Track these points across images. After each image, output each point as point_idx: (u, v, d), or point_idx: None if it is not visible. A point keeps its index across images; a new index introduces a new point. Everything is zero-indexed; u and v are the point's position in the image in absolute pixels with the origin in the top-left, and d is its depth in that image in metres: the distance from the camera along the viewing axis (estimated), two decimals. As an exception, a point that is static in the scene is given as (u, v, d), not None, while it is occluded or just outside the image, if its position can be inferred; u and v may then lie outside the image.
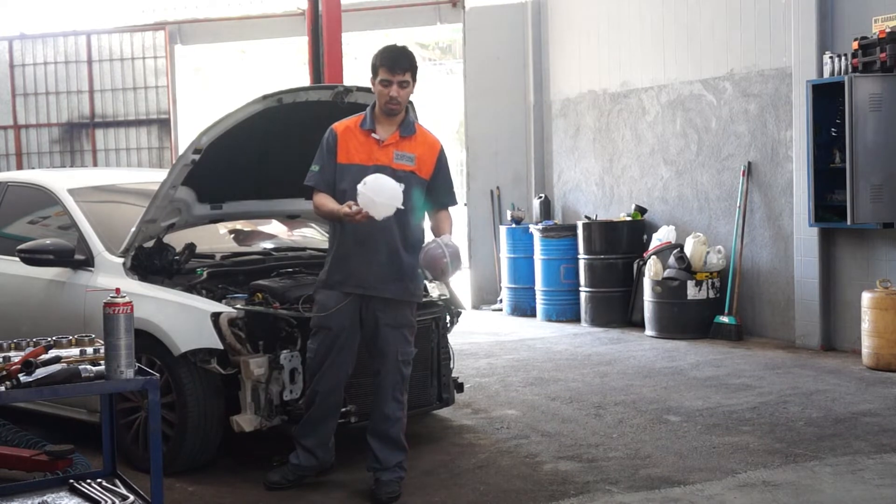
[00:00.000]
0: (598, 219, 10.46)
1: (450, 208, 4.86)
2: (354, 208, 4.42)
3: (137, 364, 3.61)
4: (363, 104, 5.75)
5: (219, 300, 5.21)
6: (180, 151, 8.55)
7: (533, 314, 10.87)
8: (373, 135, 4.69)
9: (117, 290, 3.60)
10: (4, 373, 3.41)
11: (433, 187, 4.75)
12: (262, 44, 15.81)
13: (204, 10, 13.58)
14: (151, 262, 5.52)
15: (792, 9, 8.42)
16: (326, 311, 4.71)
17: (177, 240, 5.71)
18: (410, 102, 4.85)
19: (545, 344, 9.15)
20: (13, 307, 5.92)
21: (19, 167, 12.97)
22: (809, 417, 6.01)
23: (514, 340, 9.40)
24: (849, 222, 7.68)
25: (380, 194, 4.41)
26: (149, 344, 5.00)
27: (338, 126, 4.79)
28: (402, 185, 4.49)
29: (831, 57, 7.89)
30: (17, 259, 5.57)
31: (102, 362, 3.55)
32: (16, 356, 3.58)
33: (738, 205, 9.13)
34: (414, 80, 4.67)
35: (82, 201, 5.96)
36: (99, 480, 3.98)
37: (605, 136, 10.89)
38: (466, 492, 4.80)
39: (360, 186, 4.42)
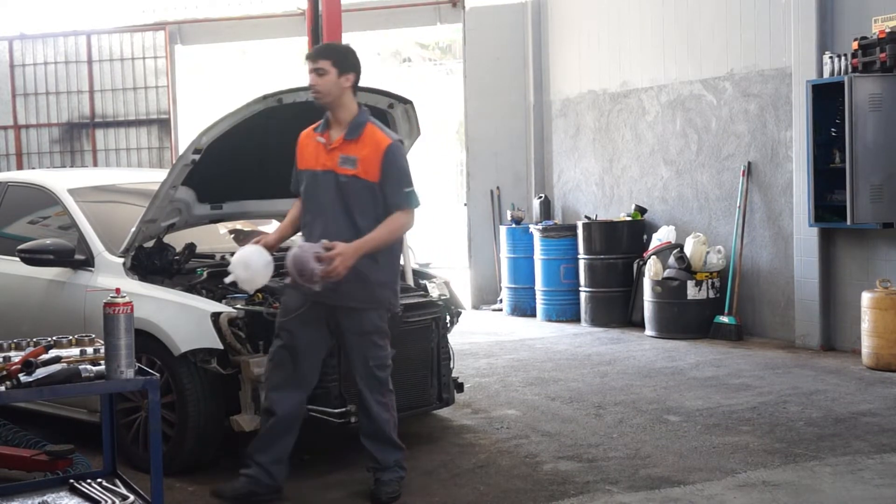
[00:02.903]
0: (598, 219, 10.46)
1: (413, 209, 4.59)
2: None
3: (137, 364, 3.61)
4: (363, 104, 5.76)
5: (219, 300, 5.21)
6: (180, 151, 8.54)
7: (533, 314, 10.87)
8: (318, 139, 4.61)
9: (117, 290, 3.60)
10: (4, 373, 3.41)
11: (382, 189, 4.52)
12: (262, 44, 15.80)
13: (204, 10, 13.56)
14: (151, 262, 5.52)
15: (792, 9, 8.43)
16: (288, 313, 4.59)
17: (177, 240, 5.71)
18: (362, 106, 4.66)
19: (545, 344, 9.15)
20: (13, 307, 5.92)
21: (19, 167, 12.96)
22: (809, 417, 6.02)
23: (514, 340, 9.40)
24: (849, 222, 7.68)
25: (245, 270, 4.37)
26: (149, 344, 5.00)
27: (304, 131, 4.75)
28: (268, 259, 4.44)
29: (831, 57, 7.89)
30: (17, 259, 5.58)
31: (102, 362, 3.55)
32: (16, 356, 3.59)
33: (738, 205, 9.13)
34: (339, 68, 4.47)
35: (82, 201, 5.96)
36: (99, 480, 3.98)
37: (605, 136, 10.89)
38: (466, 492, 4.80)
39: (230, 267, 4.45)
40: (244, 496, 4.57)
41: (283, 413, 4.57)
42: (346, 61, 4.51)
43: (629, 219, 10.13)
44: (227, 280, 4.57)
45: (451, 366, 5.81)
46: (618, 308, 9.98)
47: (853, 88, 7.55)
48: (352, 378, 4.73)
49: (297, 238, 4.56)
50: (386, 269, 4.60)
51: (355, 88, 4.59)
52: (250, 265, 4.41)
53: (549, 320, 10.55)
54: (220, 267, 5.69)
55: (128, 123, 13.27)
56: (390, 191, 4.51)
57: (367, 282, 4.51)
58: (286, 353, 4.58)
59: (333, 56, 4.50)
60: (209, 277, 5.49)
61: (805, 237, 8.36)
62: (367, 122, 4.57)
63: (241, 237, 6.62)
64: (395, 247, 4.68)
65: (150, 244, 5.58)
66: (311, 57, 4.54)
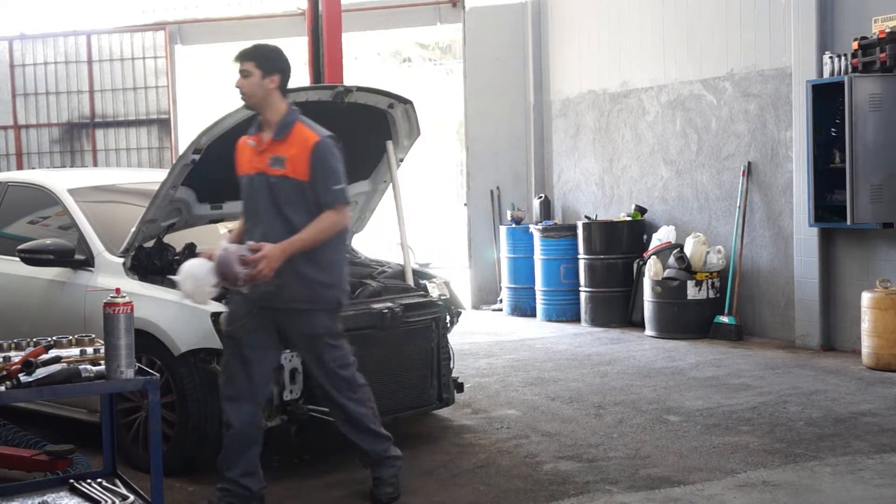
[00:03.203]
0: (598, 219, 10.46)
1: (344, 207, 4.46)
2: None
3: (137, 364, 3.61)
4: (363, 104, 5.76)
5: (219, 300, 5.21)
6: (180, 151, 8.54)
7: (533, 314, 10.87)
8: (249, 142, 4.56)
9: (117, 290, 3.60)
10: (4, 373, 3.41)
11: (311, 187, 4.40)
12: (262, 44, 15.77)
13: (204, 10, 13.57)
14: (151, 262, 5.52)
15: (792, 9, 8.43)
16: (234, 322, 4.52)
17: (177, 240, 5.71)
18: (291, 105, 4.56)
19: (545, 344, 9.15)
20: (13, 307, 5.92)
21: (19, 167, 12.96)
22: (809, 417, 6.02)
23: (514, 340, 9.40)
24: (849, 222, 7.68)
25: (191, 282, 4.29)
26: (149, 344, 5.00)
27: (242, 137, 4.67)
28: (207, 265, 4.29)
29: (831, 57, 7.89)
30: (17, 259, 5.58)
31: (102, 362, 3.55)
32: (16, 356, 3.59)
33: (738, 205, 9.13)
34: (263, 70, 4.42)
35: (82, 201, 5.96)
36: (99, 480, 3.99)
37: (605, 136, 10.89)
38: (466, 492, 4.81)
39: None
40: None
41: (241, 426, 4.45)
42: (271, 62, 4.47)
43: (629, 219, 10.13)
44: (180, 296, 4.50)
45: (451, 366, 5.82)
46: (618, 308, 9.98)
47: (853, 88, 7.55)
48: (315, 380, 4.69)
49: (223, 241, 4.46)
50: (330, 270, 4.49)
51: (283, 89, 4.51)
52: (195, 277, 4.30)
53: (549, 320, 10.55)
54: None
55: (128, 123, 13.27)
56: (319, 189, 4.40)
57: (309, 283, 4.43)
58: (237, 364, 4.49)
59: (257, 58, 4.45)
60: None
61: (805, 237, 8.36)
62: (296, 121, 4.49)
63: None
64: (335, 246, 4.53)
65: (150, 244, 5.58)
66: (236, 59, 4.50)
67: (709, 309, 9.11)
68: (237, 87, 4.48)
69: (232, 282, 4.27)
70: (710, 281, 9.09)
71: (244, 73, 4.45)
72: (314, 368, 4.59)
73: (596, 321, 10.06)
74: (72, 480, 3.97)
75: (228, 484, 4.46)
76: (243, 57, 4.47)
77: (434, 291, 5.95)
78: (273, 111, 4.49)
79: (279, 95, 4.50)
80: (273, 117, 4.49)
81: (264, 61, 4.45)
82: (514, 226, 11.19)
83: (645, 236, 9.98)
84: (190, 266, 4.36)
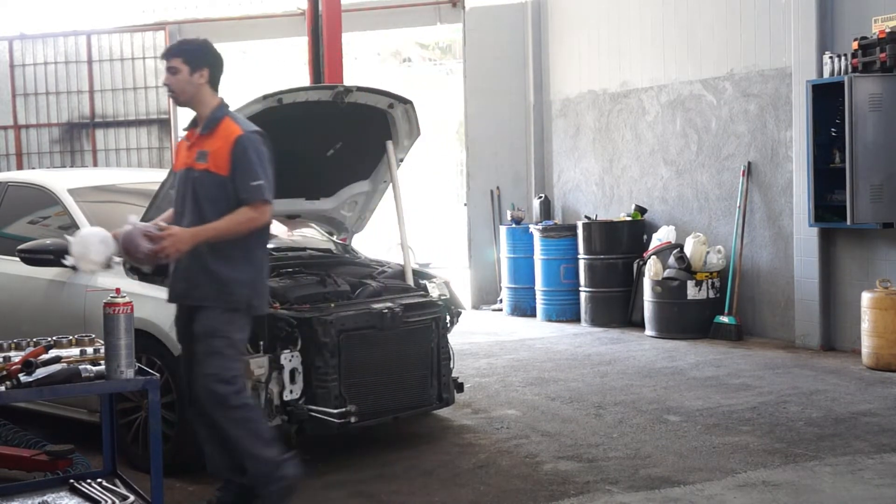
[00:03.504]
0: (598, 219, 10.46)
1: (262, 204, 4.30)
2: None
3: (137, 364, 3.61)
4: (363, 104, 5.77)
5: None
6: (180, 151, 8.53)
7: (533, 314, 10.86)
8: (182, 138, 4.53)
9: (117, 290, 3.60)
10: (4, 373, 3.41)
11: (231, 182, 4.28)
12: (262, 44, 15.79)
13: (204, 10, 13.56)
14: (151, 262, 5.51)
15: (792, 9, 8.42)
16: (174, 324, 4.50)
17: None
18: (223, 101, 4.47)
19: (545, 344, 9.15)
20: (13, 307, 5.92)
21: (19, 167, 12.95)
22: (809, 417, 6.02)
23: (514, 340, 9.40)
24: (849, 222, 7.68)
25: (80, 246, 4.20)
26: (149, 344, 5.00)
27: None
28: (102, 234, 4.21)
29: (831, 57, 7.89)
30: (17, 259, 5.57)
31: (102, 362, 3.55)
32: (16, 356, 3.59)
33: (738, 205, 9.13)
34: (191, 65, 4.35)
35: (82, 201, 5.96)
36: (99, 480, 3.99)
37: (605, 136, 10.89)
38: (466, 492, 4.80)
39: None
40: None
41: (203, 427, 4.41)
42: (198, 58, 4.38)
43: (629, 219, 10.13)
44: (67, 262, 4.38)
45: (451, 366, 5.82)
46: (618, 308, 9.97)
47: (853, 88, 7.55)
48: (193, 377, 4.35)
49: (133, 217, 4.35)
50: (243, 267, 4.32)
51: (214, 84, 4.42)
52: (85, 242, 4.21)
53: (549, 320, 10.55)
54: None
55: (128, 123, 13.26)
56: (238, 184, 4.27)
57: (219, 280, 4.28)
58: (183, 365, 4.44)
59: (184, 54, 4.39)
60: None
61: (805, 237, 8.36)
62: (224, 116, 4.40)
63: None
64: (251, 244, 4.35)
65: (150, 244, 5.57)
66: (163, 56, 4.45)
67: (709, 309, 9.10)
68: (165, 84, 4.42)
69: (135, 256, 4.18)
70: (710, 281, 9.09)
71: (172, 70, 4.38)
72: (195, 365, 4.30)
73: (596, 321, 10.06)
74: (72, 480, 3.97)
75: (224, 483, 4.46)
76: (170, 54, 4.41)
77: (434, 291, 5.96)
78: (203, 107, 4.41)
79: (209, 90, 4.42)
80: (204, 113, 4.41)
81: (191, 57, 4.38)
82: (514, 226, 11.19)
83: (645, 236, 9.98)
84: (86, 231, 4.31)
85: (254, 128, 4.42)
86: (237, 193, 4.28)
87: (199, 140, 4.40)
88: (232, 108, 5.08)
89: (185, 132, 4.52)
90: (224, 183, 4.29)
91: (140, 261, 4.24)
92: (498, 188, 11.94)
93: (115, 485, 3.95)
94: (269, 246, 6.45)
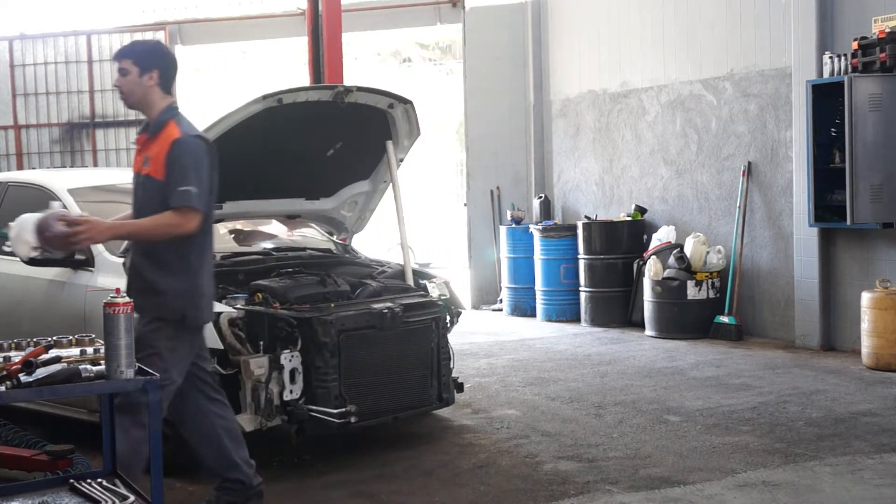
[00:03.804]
0: (598, 219, 10.46)
1: (188, 211, 4.12)
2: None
3: (137, 364, 3.61)
4: (363, 104, 5.77)
5: (219, 300, 5.21)
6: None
7: (533, 314, 10.86)
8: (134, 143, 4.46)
9: (117, 290, 3.59)
10: (4, 373, 3.41)
11: (165, 187, 4.15)
12: (262, 44, 15.79)
13: (204, 10, 13.56)
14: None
15: (792, 9, 8.42)
16: None
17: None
18: (172, 104, 4.34)
19: (545, 344, 9.15)
20: (13, 307, 5.92)
21: (19, 167, 12.95)
22: (809, 417, 6.02)
23: (514, 340, 9.40)
24: (848, 222, 7.68)
25: (17, 229, 4.11)
26: (149, 344, 4.99)
27: None
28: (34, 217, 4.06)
29: (831, 57, 7.88)
30: (18, 259, 5.57)
31: (102, 362, 3.55)
32: (16, 356, 3.58)
33: (738, 205, 9.13)
34: (140, 67, 4.26)
35: (82, 201, 5.96)
36: (99, 480, 3.98)
37: (605, 136, 10.89)
38: (466, 492, 4.81)
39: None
40: None
41: (188, 434, 4.43)
42: (148, 59, 4.29)
43: (629, 219, 10.13)
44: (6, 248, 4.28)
45: (451, 366, 5.82)
46: (618, 308, 9.97)
47: (853, 88, 7.55)
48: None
49: (56, 203, 4.32)
50: (177, 276, 4.19)
51: (165, 86, 4.31)
52: (21, 226, 4.11)
53: (549, 320, 10.55)
54: (219, 267, 5.70)
55: (128, 123, 13.25)
56: (169, 189, 4.13)
57: (155, 290, 4.18)
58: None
59: (134, 55, 4.32)
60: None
61: (805, 237, 8.36)
62: (169, 119, 4.27)
63: (241, 237, 6.63)
64: (185, 250, 4.20)
65: (149, 244, 5.57)
66: (114, 57, 4.39)
67: (709, 309, 9.10)
68: (116, 85, 4.35)
69: (46, 237, 4.06)
70: (710, 281, 9.09)
71: (122, 72, 4.30)
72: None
73: (596, 321, 10.06)
74: (72, 480, 3.96)
75: (220, 483, 4.45)
76: (120, 55, 4.34)
77: (434, 291, 5.96)
78: (153, 109, 4.31)
79: (159, 93, 4.30)
80: (152, 115, 4.31)
81: (140, 58, 4.29)
82: (514, 226, 11.19)
83: (645, 236, 9.98)
84: (24, 217, 4.21)
85: (196, 132, 4.32)
86: (167, 198, 4.14)
87: (146, 144, 4.30)
88: (232, 109, 5.09)
89: (137, 136, 4.42)
90: (162, 188, 4.16)
91: (51, 243, 4.08)
92: (498, 188, 11.95)
93: (115, 485, 3.94)
94: (269, 246, 6.50)
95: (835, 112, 7.86)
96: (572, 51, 11.31)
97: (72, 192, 6.03)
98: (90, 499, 3.79)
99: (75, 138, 13.33)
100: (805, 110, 8.09)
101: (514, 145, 11.93)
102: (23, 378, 3.38)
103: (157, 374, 3.66)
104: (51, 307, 5.70)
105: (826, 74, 7.94)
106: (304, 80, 10.00)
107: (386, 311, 5.36)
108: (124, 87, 4.33)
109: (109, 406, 4.15)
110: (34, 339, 3.88)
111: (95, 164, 13.13)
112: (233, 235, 6.59)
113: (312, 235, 6.84)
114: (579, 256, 10.25)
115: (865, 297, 7.52)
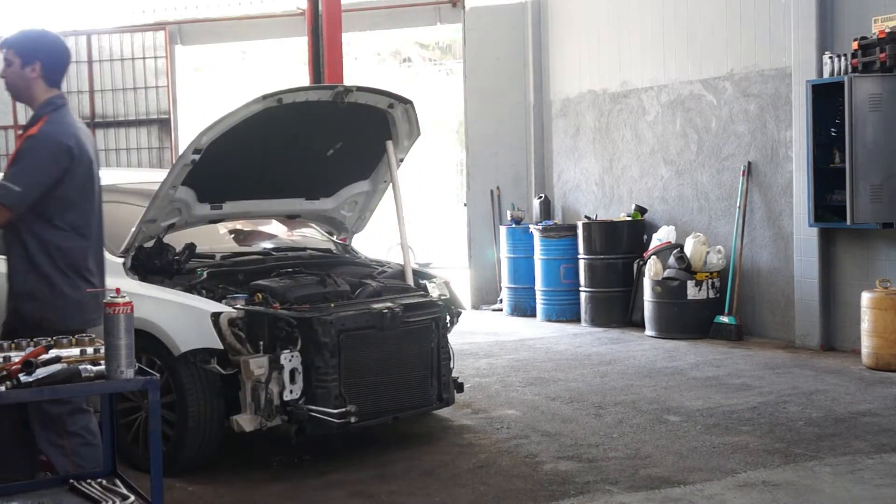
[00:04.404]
0: (598, 219, 10.46)
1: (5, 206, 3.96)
2: None
3: (137, 364, 3.61)
4: (363, 104, 5.77)
5: (219, 300, 5.22)
6: (180, 151, 8.56)
7: (533, 314, 10.86)
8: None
9: (117, 290, 3.59)
10: (4, 373, 3.41)
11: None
12: (262, 44, 15.81)
13: (204, 10, 13.56)
14: (151, 262, 5.52)
15: (792, 9, 8.42)
16: None
17: (177, 240, 5.71)
18: (53, 98, 4.15)
19: (545, 344, 9.15)
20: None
21: (19, 167, 12.94)
22: (809, 417, 6.02)
23: (514, 340, 9.40)
24: (848, 222, 7.68)
25: None
26: (149, 344, 5.00)
27: None
28: None
29: (831, 57, 7.89)
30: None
31: (102, 362, 3.55)
32: (16, 356, 3.58)
33: (738, 205, 9.13)
34: (22, 58, 4.06)
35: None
36: (99, 480, 3.98)
37: (605, 136, 10.89)
38: (466, 492, 4.80)
39: None
40: None
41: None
42: (30, 51, 4.07)
43: (629, 219, 10.13)
44: None
45: (451, 366, 5.82)
46: (618, 308, 9.97)
47: (853, 88, 7.55)
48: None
49: None
50: (25, 278, 4.05)
51: (50, 78, 4.12)
52: None
53: (549, 320, 10.55)
54: (219, 267, 5.71)
55: (128, 123, 13.27)
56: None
57: (12, 295, 4.08)
58: None
59: (16, 45, 4.09)
60: (209, 277, 5.49)
61: (805, 237, 8.36)
62: (43, 115, 4.07)
63: (241, 237, 6.63)
64: (32, 251, 4.04)
65: (150, 244, 5.58)
66: (1, 46, 4.19)
67: (709, 309, 9.10)
68: (1, 76, 4.15)
69: None
70: (710, 281, 9.09)
71: (6, 63, 4.10)
72: None
73: (596, 321, 10.06)
74: (72, 480, 3.96)
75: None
76: (5, 44, 4.12)
77: (434, 291, 5.96)
78: (35, 103, 4.14)
79: (42, 85, 4.11)
80: (35, 109, 4.15)
81: (22, 49, 4.09)
82: (514, 226, 11.19)
83: (645, 236, 9.98)
84: None
85: (58, 130, 4.05)
86: None
87: (19, 138, 4.14)
88: (232, 108, 5.08)
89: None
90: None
91: None
92: (498, 188, 11.95)
93: (115, 485, 3.94)
94: (269, 246, 6.50)
95: (835, 112, 7.86)
96: (572, 51, 11.31)
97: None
98: (90, 499, 3.79)
99: (75, 138, 13.31)
100: (805, 110, 8.09)
101: (514, 145, 11.93)
102: (23, 378, 3.38)
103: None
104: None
105: (826, 74, 7.94)
106: (304, 80, 10.00)
107: (386, 311, 5.36)
108: (8, 79, 4.14)
109: (109, 406, 4.16)
110: (34, 339, 3.88)
111: (95, 164, 13.11)
112: (233, 235, 6.59)
113: (312, 235, 6.84)
114: (579, 256, 10.25)
115: (865, 297, 7.52)
